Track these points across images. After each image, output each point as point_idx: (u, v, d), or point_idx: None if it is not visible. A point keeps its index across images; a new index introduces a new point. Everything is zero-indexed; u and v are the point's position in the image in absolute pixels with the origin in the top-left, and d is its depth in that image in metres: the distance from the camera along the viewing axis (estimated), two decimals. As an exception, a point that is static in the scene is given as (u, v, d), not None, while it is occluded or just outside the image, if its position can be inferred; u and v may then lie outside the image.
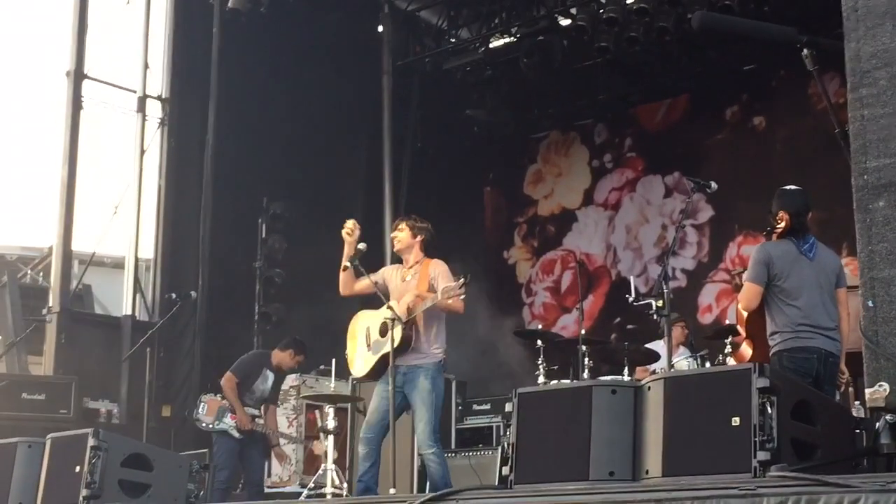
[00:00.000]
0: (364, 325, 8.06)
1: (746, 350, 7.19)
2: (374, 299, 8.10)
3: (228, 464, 9.99)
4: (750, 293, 6.80)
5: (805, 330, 6.64)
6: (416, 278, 7.84)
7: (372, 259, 8.25)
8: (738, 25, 8.89)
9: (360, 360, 8.02)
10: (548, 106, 16.33)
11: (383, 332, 7.79)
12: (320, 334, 11.31)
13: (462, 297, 7.46)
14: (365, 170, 15.59)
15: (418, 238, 7.99)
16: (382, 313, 7.83)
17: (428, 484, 7.70)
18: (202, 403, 10.18)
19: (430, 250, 8.04)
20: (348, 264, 7.91)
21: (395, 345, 7.56)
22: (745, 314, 7.04)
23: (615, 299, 14.93)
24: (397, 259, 8.29)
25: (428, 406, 7.58)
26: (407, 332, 7.59)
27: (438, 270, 7.80)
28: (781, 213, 6.85)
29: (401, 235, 8.02)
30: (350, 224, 7.98)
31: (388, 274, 8.07)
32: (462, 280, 7.42)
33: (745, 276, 6.92)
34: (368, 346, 7.95)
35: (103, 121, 13.50)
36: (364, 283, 7.96)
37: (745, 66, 14.57)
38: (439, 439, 7.67)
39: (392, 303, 7.70)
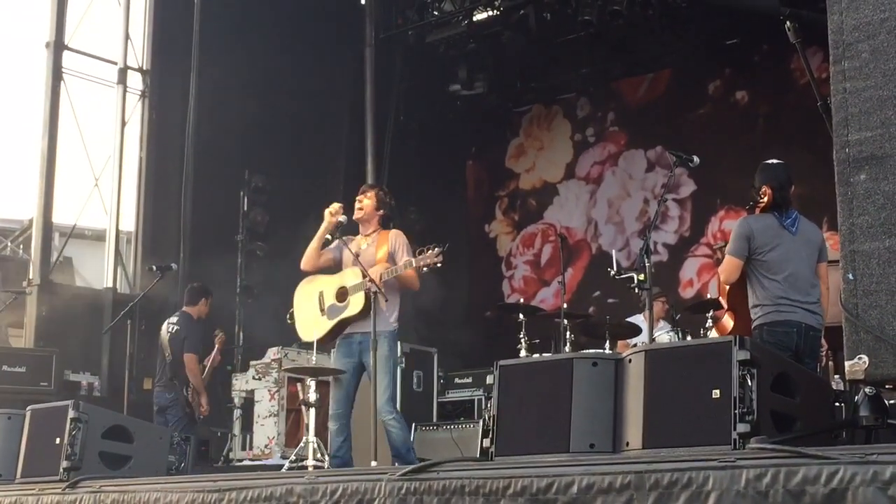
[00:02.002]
0: (316, 289, 8.05)
1: (728, 322, 7.23)
2: (331, 272, 8.11)
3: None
4: (729, 266, 6.83)
5: (785, 304, 6.66)
6: (374, 246, 7.88)
7: (354, 231, 8.20)
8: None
9: (312, 324, 8.03)
10: (530, 79, 16.31)
11: (341, 297, 7.82)
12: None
13: (439, 264, 7.45)
14: (347, 143, 15.53)
15: (380, 212, 8.07)
16: (339, 278, 7.88)
17: (390, 449, 7.71)
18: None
19: (386, 224, 8.12)
20: (329, 237, 7.92)
21: (360, 311, 7.67)
22: (726, 287, 7.07)
23: (594, 273, 14.97)
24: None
25: (386, 372, 7.62)
26: (369, 299, 7.62)
27: (399, 241, 7.88)
28: (764, 188, 6.86)
29: (366, 203, 8.06)
30: (336, 206, 7.99)
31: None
32: (438, 249, 7.43)
33: (726, 249, 6.94)
34: (322, 310, 7.95)
35: (84, 92, 13.44)
36: (327, 257, 8.00)
37: (728, 41, 14.58)
38: (397, 405, 7.76)
39: (353, 270, 7.73)
